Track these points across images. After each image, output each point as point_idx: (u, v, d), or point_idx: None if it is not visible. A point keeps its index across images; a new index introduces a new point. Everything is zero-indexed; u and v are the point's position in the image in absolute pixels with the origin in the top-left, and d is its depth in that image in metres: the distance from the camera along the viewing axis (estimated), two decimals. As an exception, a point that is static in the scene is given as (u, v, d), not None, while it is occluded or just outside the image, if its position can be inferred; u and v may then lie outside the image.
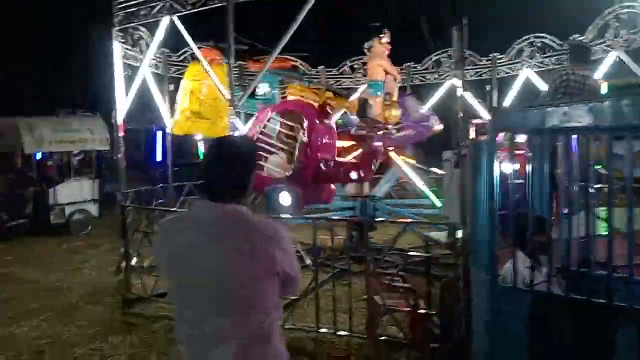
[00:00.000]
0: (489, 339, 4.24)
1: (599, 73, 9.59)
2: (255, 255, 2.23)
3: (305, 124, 7.85)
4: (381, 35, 9.60)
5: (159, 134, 23.12)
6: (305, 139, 7.79)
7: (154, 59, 10.34)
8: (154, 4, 6.49)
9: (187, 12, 6.19)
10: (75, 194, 12.75)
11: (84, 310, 7.36)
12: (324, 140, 7.91)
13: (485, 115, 11.18)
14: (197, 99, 9.03)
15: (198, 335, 2.22)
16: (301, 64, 12.50)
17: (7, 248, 11.27)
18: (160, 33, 6.87)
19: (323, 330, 6.06)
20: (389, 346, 5.84)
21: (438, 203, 8.30)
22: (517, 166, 4.05)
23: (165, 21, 6.67)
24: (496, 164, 3.95)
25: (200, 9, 6.05)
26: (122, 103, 7.52)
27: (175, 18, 6.38)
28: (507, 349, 4.01)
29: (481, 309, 4.44)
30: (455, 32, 5.16)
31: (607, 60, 9.38)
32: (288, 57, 9.82)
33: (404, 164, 9.56)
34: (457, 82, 5.13)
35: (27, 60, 21.83)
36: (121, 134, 7.73)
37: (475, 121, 4.79)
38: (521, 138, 4.31)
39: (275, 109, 8.24)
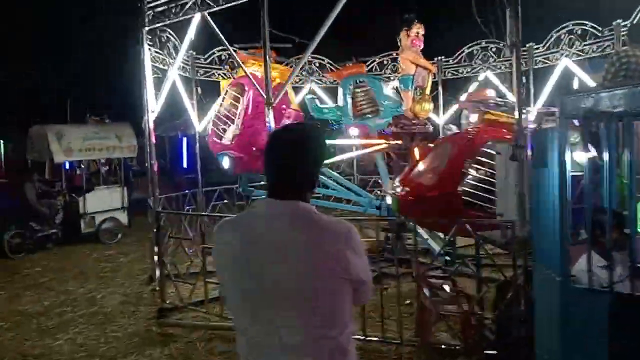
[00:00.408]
0: (560, 344, 3.89)
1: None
2: (328, 259, 1.94)
3: (247, 94, 8.18)
4: (408, 28, 9.36)
5: (185, 140, 23.27)
6: (242, 108, 8.13)
7: (181, 62, 10.15)
8: (184, 1, 6.26)
9: (220, 7, 5.94)
10: (104, 202, 12.65)
11: (119, 321, 7.18)
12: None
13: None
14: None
15: (264, 350, 1.97)
16: (328, 63, 12.23)
17: (40, 258, 11.21)
18: (192, 31, 6.65)
19: (371, 338, 5.74)
20: (441, 354, 5.51)
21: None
22: (591, 154, 3.69)
23: (196, 19, 6.43)
24: (567, 153, 3.60)
25: (233, 3, 5.80)
26: (153, 108, 7.31)
27: (207, 15, 6.14)
28: (582, 354, 3.68)
29: (548, 312, 4.09)
30: (509, 12, 4.81)
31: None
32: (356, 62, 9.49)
33: None
34: (514, 73, 4.77)
35: (51, 66, 21.98)
36: (153, 140, 7.52)
37: (538, 109, 4.44)
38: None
39: (230, 83, 8.82)
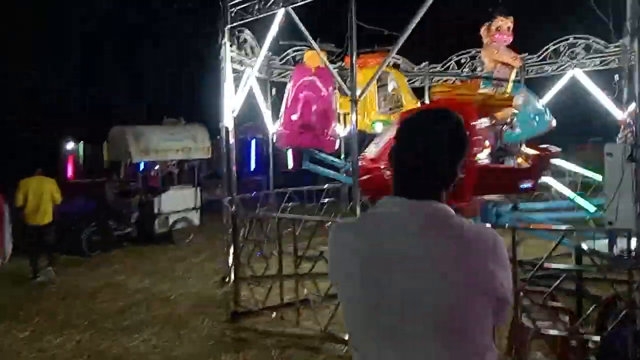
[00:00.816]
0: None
1: None
2: (471, 275, 1.60)
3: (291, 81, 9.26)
4: (489, 22, 8.89)
5: (253, 143, 23.40)
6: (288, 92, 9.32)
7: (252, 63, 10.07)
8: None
9: (305, 1, 5.71)
10: (178, 202, 12.79)
11: (192, 324, 7.08)
12: None
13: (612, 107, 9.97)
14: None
15: None
16: (404, 61, 11.81)
17: (115, 257, 11.43)
18: (275, 28, 6.46)
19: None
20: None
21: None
22: None
23: (279, 15, 6.24)
24: None
25: (316, -3, 5.57)
26: (233, 108, 7.19)
27: (291, 11, 5.93)
28: None
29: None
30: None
31: None
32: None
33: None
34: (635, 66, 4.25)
35: (127, 70, 22.70)
36: (232, 140, 7.40)
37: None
38: None
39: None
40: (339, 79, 5.85)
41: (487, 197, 7.49)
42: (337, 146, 9.22)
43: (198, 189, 13.26)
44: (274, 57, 10.67)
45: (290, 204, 11.31)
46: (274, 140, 9.23)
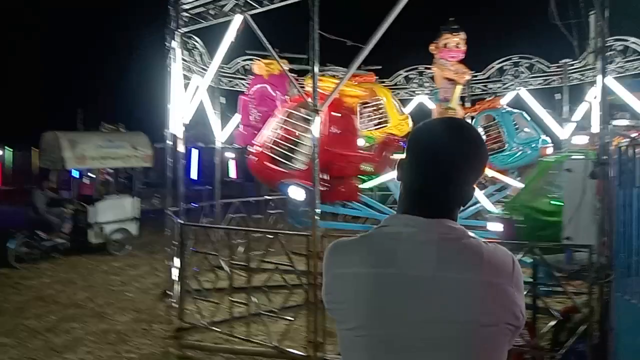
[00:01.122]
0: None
1: None
2: (491, 302, 1.45)
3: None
4: (437, 40, 9.11)
5: (195, 152, 22.84)
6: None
7: (204, 69, 9.77)
8: (224, 2, 5.84)
9: (266, 8, 5.53)
10: (115, 212, 12.15)
11: (132, 341, 6.66)
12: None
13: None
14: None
15: None
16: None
17: (47, 268, 10.68)
18: (231, 35, 6.21)
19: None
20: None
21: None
22: None
23: (236, 22, 6.00)
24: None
25: (281, 4, 5.38)
26: (184, 117, 6.87)
27: (249, 18, 5.72)
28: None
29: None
30: (593, 17, 4.39)
31: None
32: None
33: None
34: (599, 82, 4.34)
35: (63, 72, 21.64)
36: (181, 149, 7.07)
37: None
38: None
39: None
40: (300, 90, 5.67)
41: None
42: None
43: (137, 199, 12.67)
44: (222, 65, 10.37)
45: (236, 215, 11.00)
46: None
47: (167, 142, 8.85)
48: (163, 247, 9.40)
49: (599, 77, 4.34)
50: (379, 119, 8.44)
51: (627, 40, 9.54)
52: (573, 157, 5.75)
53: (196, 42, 9.05)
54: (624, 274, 4.02)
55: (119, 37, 19.58)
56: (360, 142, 8.27)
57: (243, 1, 5.71)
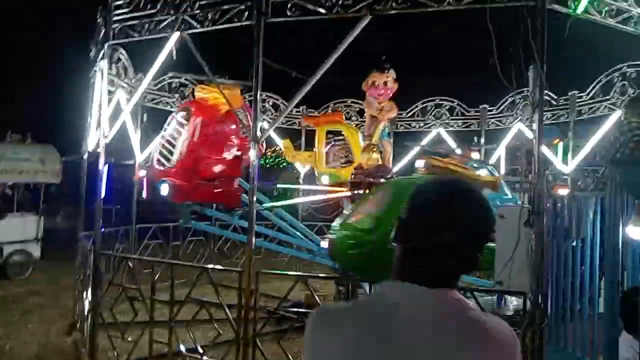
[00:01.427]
0: None
1: (601, 131, 9.44)
2: None
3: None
4: (367, 79, 9.41)
5: (105, 168, 21.57)
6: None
7: (128, 84, 9.30)
8: (162, 17, 5.55)
9: (205, 29, 5.31)
10: (15, 231, 11.09)
11: (34, 380, 6.01)
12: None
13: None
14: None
15: None
16: (282, 103, 11.75)
17: None
18: (165, 53, 5.90)
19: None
20: None
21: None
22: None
23: (173, 39, 5.72)
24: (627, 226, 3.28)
25: (223, 26, 5.18)
26: (107, 133, 6.42)
27: (187, 36, 5.48)
28: None
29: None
30: (532, 71, 4.57)
31: (612, 117, 9.23)
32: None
33: None
34: (535, 133, 4.50)
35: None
36: (103, 167, 6.60)
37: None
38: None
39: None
40: (244, 120, 5.47)
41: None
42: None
43: (41, 218, 11.68)
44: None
45: (153, 241, 10.43)
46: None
47: (83, 158, 8.31)
48: (69, 272, 8.66)
49: (536, 127, 4.50)
50: (345, 157, 8.56)
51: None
52: (507, 204, 5.94)
53: (121, 54, 8.60)
54: (556, 322, 4.13)
55: (32, 42, 18.30)
56: (325, 179, 8.41)
57: (181, 19, 5.47)
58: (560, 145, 10.06)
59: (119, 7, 6.10)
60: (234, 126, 7.83)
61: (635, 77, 8.66)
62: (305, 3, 4.79)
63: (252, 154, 4.96)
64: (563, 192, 7.40)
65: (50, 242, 12.23)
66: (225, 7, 5.12)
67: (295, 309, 7.00)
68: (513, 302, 5.31)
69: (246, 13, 4.99)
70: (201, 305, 5.44)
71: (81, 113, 9.14)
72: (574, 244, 4.17)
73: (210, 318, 5.65)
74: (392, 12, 4.63)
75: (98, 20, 6.83)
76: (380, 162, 9.10)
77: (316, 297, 5.25)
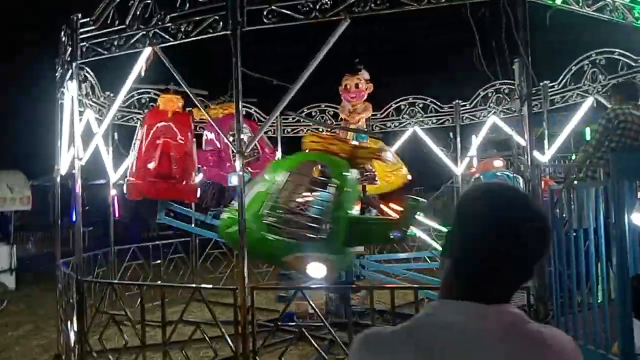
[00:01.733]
0: None
1: (575, 118, 9.55)
2: None
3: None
4: (341, 83, 9.34)
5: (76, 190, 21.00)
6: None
7: (97, 103, 9.03)
8: (131, 32, 5.35)
9: (179, 42, 5.14)
10: (-14, 262, 10.68)
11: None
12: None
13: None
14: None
15: None
16: (255, 111, 11.58)
17: None
18: (139, 68, 5.70)
19: None
20: None
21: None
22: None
23: (145, 54, 5.53)
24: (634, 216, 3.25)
25: (197, 38, 5.02)
26: (80, 155, 6.17)
27: (159, 50, 5.29)
28: None
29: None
30: (517, 62, 4.54)
31: (585, 104, 9.34)
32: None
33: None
34: (525, 125, 4.47)
35: None
36: (79, 190, 6.36)
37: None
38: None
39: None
40: (220, 131, 5.31)
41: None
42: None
43: (13, 246, 11.26)
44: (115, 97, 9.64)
45: (133, 262, 10.12)
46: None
47: (56, 181, 8.04)
48: (49, 302, 8.33)
49: (526, 120, 4.47)
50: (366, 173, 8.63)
51: (513, 85, 10.29)
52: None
53: (88, 73, 8.34)
54: (563, 314, 4.10)
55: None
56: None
57: (153, 32, 5.28)
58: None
59: (84, 24, 5.90)
60: (182, 127, 8.20)
61: (604, 64, 8.78)
62: (282, 9, 4.68)
63: (238, 166, 4.82)
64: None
65: (24, 272, 11.80)
66: (198, 18, 4.98)
67: (293, 322, 6.93)
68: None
69: (221, 23, 4.86)
70: (196, 326, 5.24)
71: (48, 136, 8.85)
72: (575, 234, 4.15)
73: (204, 337, 5.47)
74: (372, 13, 4.58)
75: (62, 39, 6.61)
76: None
77: (315, 307, 5.11)
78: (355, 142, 7.70)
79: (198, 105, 5.80)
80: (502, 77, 4.80)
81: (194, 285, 5.56)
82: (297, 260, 5.63)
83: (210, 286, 6.37)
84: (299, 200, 5.97)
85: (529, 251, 1.33)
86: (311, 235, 5.65)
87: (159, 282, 8.64)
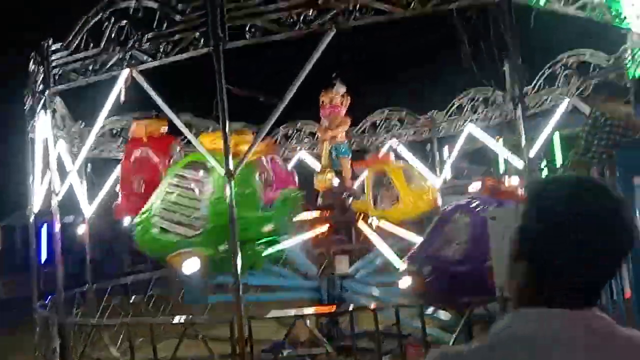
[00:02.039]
0: None
1: (551, 122, 9.60)
2: None
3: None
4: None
5: (44, 229, 20.29)
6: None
7: (68, 134, 8.68)
8: (106, 57, 5.12)
9: (159, 63, 4.94)
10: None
11: None
12: None
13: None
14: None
15: None
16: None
17: None
18: (116, 93, 5.44)
19: None
20: None
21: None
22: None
23: (122, 78, 5.29)
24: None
25: (178, 57, 4.83)
26: (58, 190, 5.87)
27: (137, 74, 5.07)
28: None
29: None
30: (508, 63, 4.48)
31: (560, 108, 9.43)
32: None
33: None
34: (520, 128, 4.39)
35: None
36: (56, 227, 6.03)
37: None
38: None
39: None
40: (208, 155, 5.08)
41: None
42: None
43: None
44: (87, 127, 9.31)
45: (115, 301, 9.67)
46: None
47: (30, 223, 7.71)
48: (25, 348, 7.86)
49: (521, 124, 4.40)
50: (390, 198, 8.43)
51: (487, 92, 10.39)
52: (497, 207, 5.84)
53: (57, 102, 8.03)
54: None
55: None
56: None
57: (130, 54, 5.07)
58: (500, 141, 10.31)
59: (56, 50, 5.64)
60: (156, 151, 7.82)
61: (577, 66, 8.91)
62: (266, 23, 4.54)
63: (228, 192, 4.59)
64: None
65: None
66: (178, 36, 4.79)
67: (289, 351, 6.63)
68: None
69: (202, 40, 4.69)
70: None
71: (14, 173, 8.51)
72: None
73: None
74: (358, 23, 4.48)
75: (32, 68, 6.33)
76: (337, 182, 8.90)
77: (317, 335, 4.90)
78: None
79: (185, 132, 5.50)
80: (488, 81, 4.78)
81: (184, 319, 5.23)
82: (179, 256, 5.83)
83: (205, 318, 6.05)
84: (183, 199, 6.20)
85: (617, 243, 1.20)
86: (190, 233, 5.90)
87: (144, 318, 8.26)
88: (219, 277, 7.01)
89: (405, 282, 6.66)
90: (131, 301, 9.94)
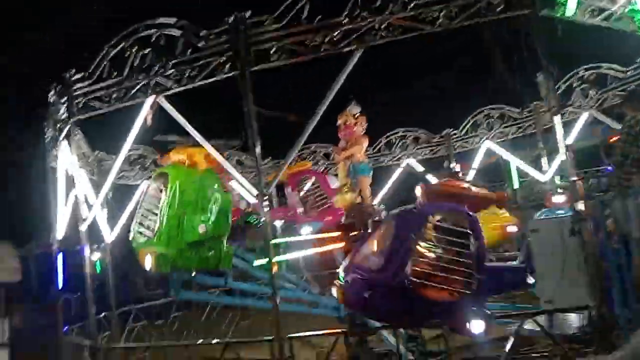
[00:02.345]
0: None
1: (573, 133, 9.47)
2: None
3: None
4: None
5: (60, 257, 20.27)
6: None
7: (87, 163, 8.69)
8: (130, 84, 5.14)
9: (184, 88, 4.94)
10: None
11: None
12: None
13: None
14: None
15: None
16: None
17: None
18: (142, 120, 5.45)
19: None
20: None
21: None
22: None
23: (147, 105, 5.29)
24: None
25: (204, 82, 4.83)
26: (85, 217, 5.86)
27: (163, 100, 5.08)
28: None
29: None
30: (540, 78, 4.45)
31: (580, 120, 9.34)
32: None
33: None
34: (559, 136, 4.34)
35: None
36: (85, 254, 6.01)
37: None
38: None
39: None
40: (238, 176, 5.06)
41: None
42: None
43: (6, 320, 10.58)
44: (105, 154, 9.31)
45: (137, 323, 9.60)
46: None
47: (55, 251, 7.72)
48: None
49: (560, 133, 4.35)
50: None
51: (503, 108, 10.36)
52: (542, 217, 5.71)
53: (76, 132, 8.07)
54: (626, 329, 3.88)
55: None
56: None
57: (154, 81, 5.08)
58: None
59: (78, 80, 5.67)
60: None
61: (594, 79, 8.84)
62: (292, 45, 4.55)
63: (261, 210, 4.57)
64: (558, 200, 7.23)
65: (19, 346, 11.10)
66: (203, 61, 4.81)
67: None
68: (571, 319, 5.03)
69: (228, 65, 4.70)
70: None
71: (34, 202, 8.55)
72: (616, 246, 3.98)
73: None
74: (384, 40, 4.47)
75: (52, 98, 6.37)
76: (357, 201, 8.83)
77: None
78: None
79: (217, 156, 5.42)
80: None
81: (226, 340, 5.15)
82: (142, 255, 6.59)
83: (245, 339, 5.85)
84: (150, 206, 6.74)
85: None
86: (148, 234, 6.57)
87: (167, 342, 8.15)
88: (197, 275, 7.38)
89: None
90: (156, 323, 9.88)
